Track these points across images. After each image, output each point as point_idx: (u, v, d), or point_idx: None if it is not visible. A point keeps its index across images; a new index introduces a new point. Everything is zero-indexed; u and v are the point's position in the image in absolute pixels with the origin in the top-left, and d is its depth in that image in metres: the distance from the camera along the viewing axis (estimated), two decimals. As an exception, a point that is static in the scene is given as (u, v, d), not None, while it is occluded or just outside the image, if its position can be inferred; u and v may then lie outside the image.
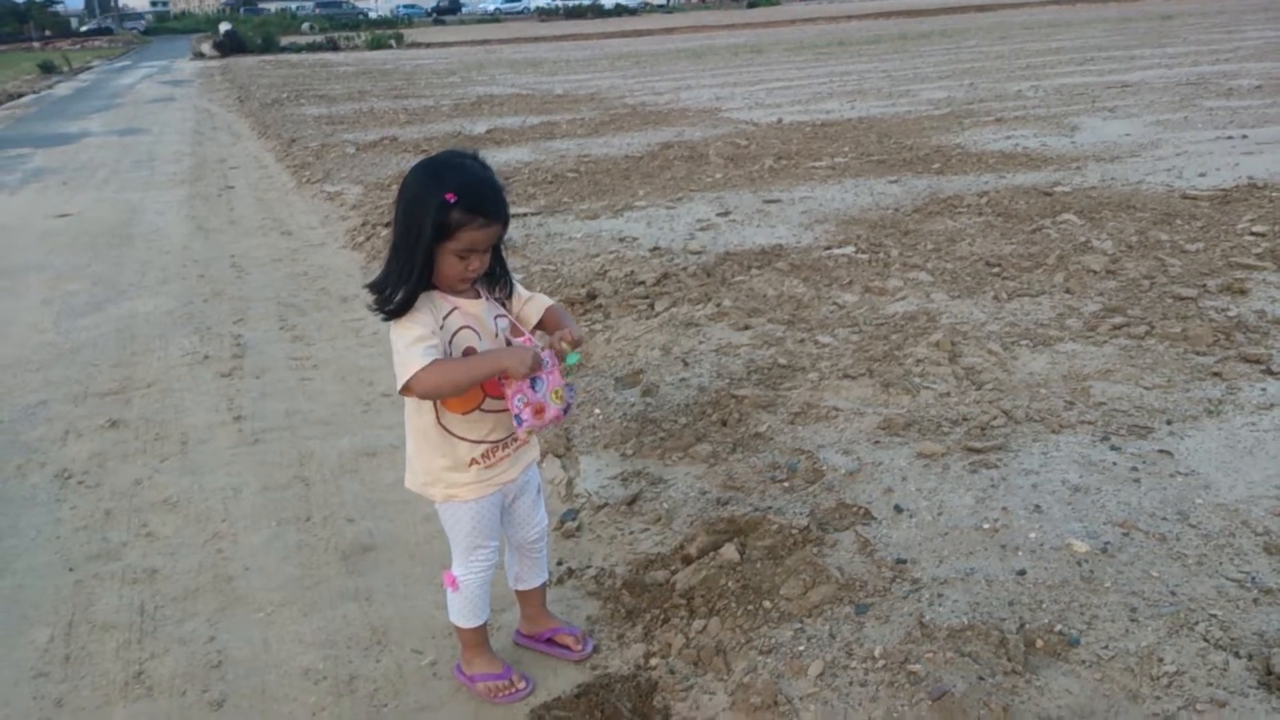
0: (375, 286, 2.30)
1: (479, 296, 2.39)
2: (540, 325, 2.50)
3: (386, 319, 2.29)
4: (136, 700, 2.69)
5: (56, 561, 3.39)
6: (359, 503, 3.71)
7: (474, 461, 2.43)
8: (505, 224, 2.30)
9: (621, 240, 6.96)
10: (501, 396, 2.34)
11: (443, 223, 2.19)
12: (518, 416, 2.30)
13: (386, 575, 3.22)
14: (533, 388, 2.30)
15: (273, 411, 4.61)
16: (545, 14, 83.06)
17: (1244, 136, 9.64)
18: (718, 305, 5.28)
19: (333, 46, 45.08)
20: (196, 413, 4.63)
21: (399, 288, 2.25)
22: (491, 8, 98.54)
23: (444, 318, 2.31)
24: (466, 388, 2.31)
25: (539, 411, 2.31)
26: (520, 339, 2.41)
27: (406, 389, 2.26)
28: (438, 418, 2.39)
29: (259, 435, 4.36)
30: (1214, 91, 13.07)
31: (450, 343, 2.32)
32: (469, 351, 2.34)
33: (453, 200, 2.17)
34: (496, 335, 2.39)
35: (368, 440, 4.24)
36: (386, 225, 7.80)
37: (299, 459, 4.11)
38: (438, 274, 2.28)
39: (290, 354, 5.36)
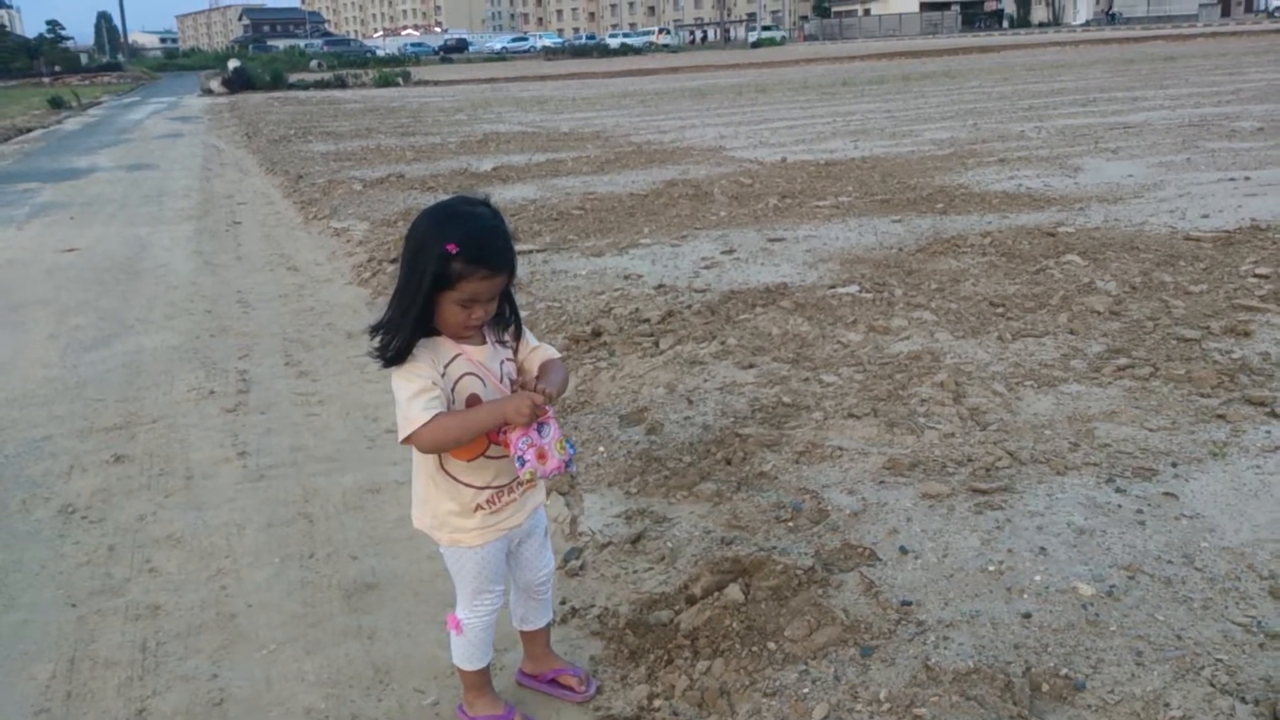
0: (376, 330, 2.30)
1: (484, 341, 2.38)
2: (537, 378, 2.48)
3: (385, 366, 2.28)
4: (137, 739, 2.68)
5: (59, 597, 3.38)
6: (362, 540, 3.70)
7: (479, 507, 2.43)
8: (511, 274, 2.29)
9: (626, 278, 6.99)
10: (507, 444, 2.33)
11: (443, 273, 2.18)
12: (520, 458, 2.27)
13: (390, 613, 3.21)
14: (539, 432, 2.28)
15: (277, 447, 4.61)
16: (551, 53, 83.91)
17: (1246, 178, 9.69)
18: (722, 343, 5.30)
19: (340, 84, 45.45)
20: (201, 448, 4.63)
21: (397, 335, 2.24)
22: (498, 46, 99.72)
23: (446, 365, 2.30)
24: (469, 440, 2.31)
25: (542, 456, 2.28)
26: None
27: (408, 441, 2.26)
28: (442, 463, 2.39)
29: (263, 471, 4.36)
30: (1216, 133, 13.15)
31: (453, 390, 2.31)
32: (473, 399, 2.32)
33: (454, 251, 2.16)
34: (502, 380, 2.38)
35: (372, 477, 4.24)
36: (393, 261, 7.83)
37: (303, 495, 4.11)
38: (441, 321, 2.27)
39: (295, 390, 5.38)
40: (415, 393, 2.24)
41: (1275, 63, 27.74)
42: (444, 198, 2.41)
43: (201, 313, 7.08)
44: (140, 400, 5.30)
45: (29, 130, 26.37)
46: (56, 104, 35.91)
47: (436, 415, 2.23)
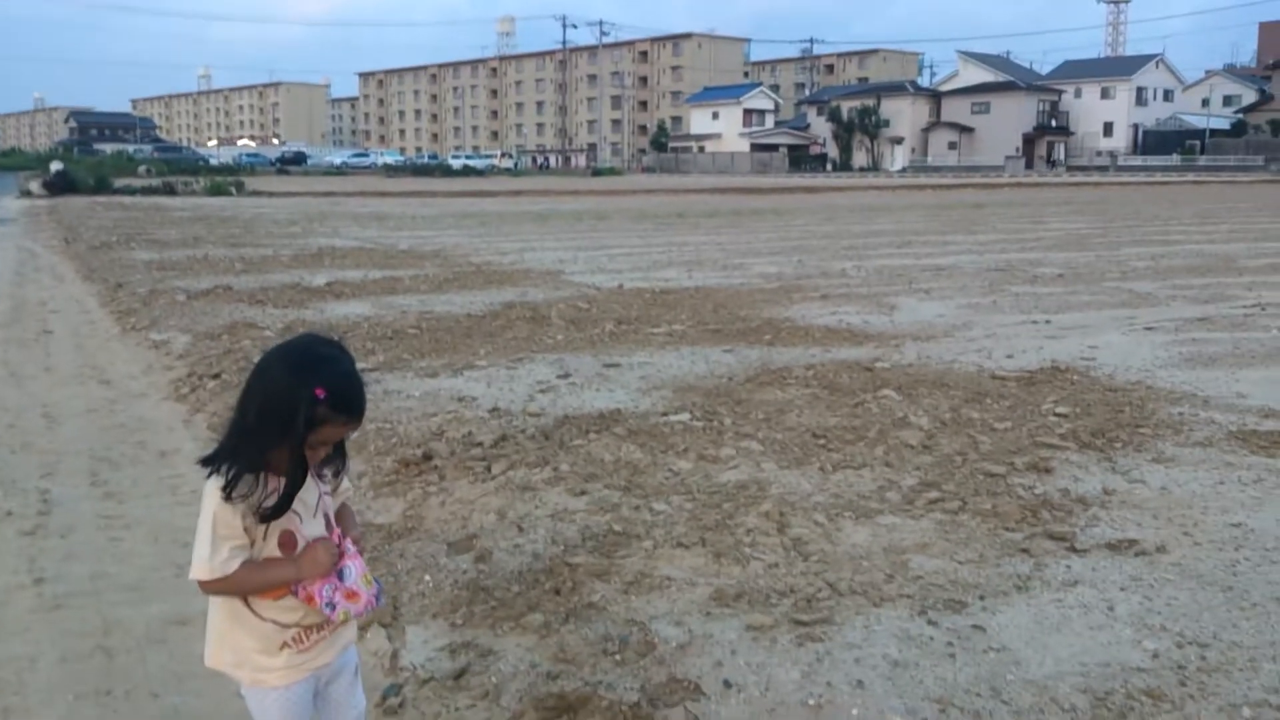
0: (214, 466, 2.22)
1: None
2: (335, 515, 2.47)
3: (227, 499, 2.21)
4: None
5: None
6: (165, 676, 3.49)
7: (285, 645, 2.33)
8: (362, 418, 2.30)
9: (460, 400, 6.95)
10: (309, 599, 2.29)
11: (310, 417, 2.16)
12: (329, 603, 2.25)
13: (192, 756, 3.03)
14: (340, 578, 2.27)
15: (77, 574, 4.34)
16: (393, 170, 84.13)
17: (1047, 321, 10.40)
18: (555, 469, 5.30)
19: (170, 190, 44.21)
20: (-9, 574, 4.32)
21: (242, 472, 2.20)
22: (338, 161, 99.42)
23: (268, 495, 2.25)
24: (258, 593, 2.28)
25: (351, 596, 2.27)
26: (335, 532, 2.37)
27: (200, 584, 2.21)
28: (246, 600, 2.30)
29: (60, 600, 4.08)
30: (1020, 278, 14.12)
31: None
32: (286, 535, 2.28)
33: (322, 396, 2.15)
34: (317, 515, 2.35)
35: (179, 607, 4.01)
36: (214, 377, 7.59)
37: (103, 627, 3.86)
38: (277, 456, 2.23)
39: (100, 512, 5.09)
40: (223, 538, 2.19)
41: (1074, 213, 30.15)
42: (293, 335, 2.40)
43: (3, 427, 6.66)
44: (-75, 521, 4.92)
45: None
46: None
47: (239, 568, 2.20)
